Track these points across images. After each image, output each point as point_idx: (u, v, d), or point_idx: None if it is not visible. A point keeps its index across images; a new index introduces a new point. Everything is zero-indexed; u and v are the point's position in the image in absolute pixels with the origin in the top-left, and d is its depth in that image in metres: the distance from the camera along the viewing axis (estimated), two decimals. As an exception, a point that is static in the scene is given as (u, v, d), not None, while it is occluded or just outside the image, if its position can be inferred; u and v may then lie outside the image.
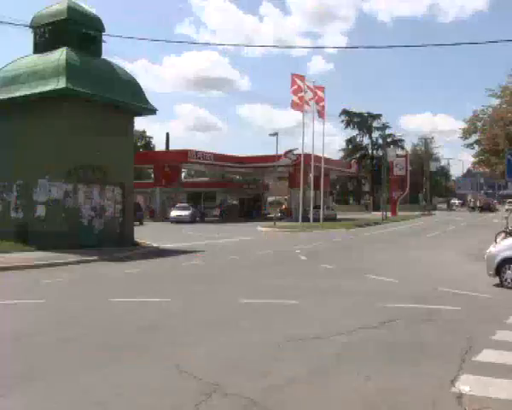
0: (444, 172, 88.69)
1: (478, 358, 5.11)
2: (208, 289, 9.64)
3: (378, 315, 7.06)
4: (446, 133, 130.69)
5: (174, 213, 37.82)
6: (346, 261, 14.11)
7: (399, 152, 64.11)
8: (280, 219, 40.33)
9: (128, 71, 19.49)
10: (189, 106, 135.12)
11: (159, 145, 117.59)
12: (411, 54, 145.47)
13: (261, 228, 30.47)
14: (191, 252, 16.51)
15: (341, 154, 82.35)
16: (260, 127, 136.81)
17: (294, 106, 32.61)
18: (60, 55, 16.60)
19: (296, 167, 39.03)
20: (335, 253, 16.57)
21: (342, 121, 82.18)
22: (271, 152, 38.43)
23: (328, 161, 43.22)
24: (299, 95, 32.45)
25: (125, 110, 18.25)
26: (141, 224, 32.98)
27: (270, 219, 35.95)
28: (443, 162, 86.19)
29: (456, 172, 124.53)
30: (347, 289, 9.40)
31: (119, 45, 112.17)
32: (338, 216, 45.85)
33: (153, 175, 47.58)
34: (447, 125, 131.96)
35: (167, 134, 65.08)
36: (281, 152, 40.53)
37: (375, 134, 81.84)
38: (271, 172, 46.97)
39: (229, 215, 47.81)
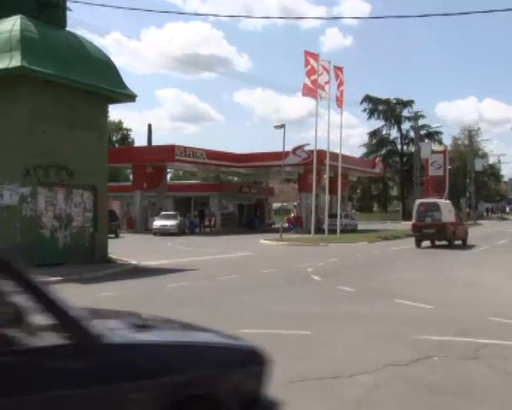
0: (493, 172, 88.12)
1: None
2: (200, 316, 9.54)
3: (410, 350, 6.98)
4: (496, 123, 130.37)
5: (158, 222, 37.97)
6: (370, 282, 14.07)
7: (436, 147, 64.05)
8: (288, 229, 40.24)
9: (99, 47, 19.55)
10: (174, 91, 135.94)
11: (139, 140, 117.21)
12: (451, 25, 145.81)
13: (265, 241, 30.48)
14: (179, 271, 16.52)
15: (363, 150, 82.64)
16: (263, 118, 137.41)
17: (306, 91, 32.68)
18: (12, 25, 16.43)
19: (307, 167, 39.01)
20: (356, 272, 16.55)
21: (364, 110, 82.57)
22: (277, 148, 38.39)
23: (346, 158, 43.24)
24: (313, 77, 32.52)
25: (97, 96, 18.25)
26: (117, 236, 32.98)
27: (276, 231, 35.86)
28: (492, 160, 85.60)
29: (509, 171, 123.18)
30: (371, 317, 9.34)
31: (85, 15, 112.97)
32: (359, 227, 45.76)
33: (131, 176, 47.59)
34: (497, 113, 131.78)
35: (149, 126, 65.40)
36: (288, 148, 40.47)
37: (406, 125, 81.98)
38: (277, 172, 46.93)
39: (226, 225, 47.81)
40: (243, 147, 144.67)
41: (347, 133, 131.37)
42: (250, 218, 51.23)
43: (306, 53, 32.61)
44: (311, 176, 36.51)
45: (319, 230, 34.75)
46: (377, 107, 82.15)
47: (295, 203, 54.12)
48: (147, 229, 40.53)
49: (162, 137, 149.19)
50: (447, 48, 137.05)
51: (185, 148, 41.21)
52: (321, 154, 35.49)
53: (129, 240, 31.86)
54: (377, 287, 13.12)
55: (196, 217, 45.94)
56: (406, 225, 51.18)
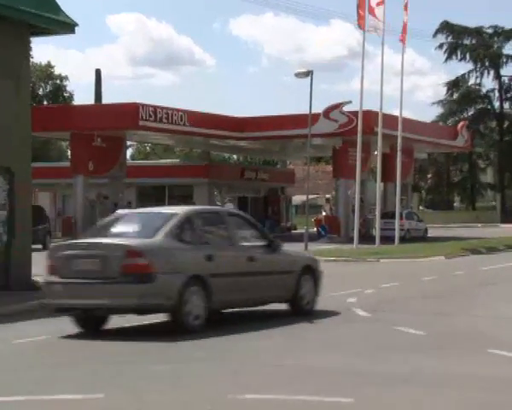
0: None
1: None
2: (174, 372, 9.62)
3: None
4: None
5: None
6: (448, 321, 14.24)
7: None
8: (317, 236, 40.29)
9: None
10: (136, 17, 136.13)
11: (81, 95, 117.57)
12: None
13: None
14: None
15: (438, 110, 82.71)
16: (277, 60, 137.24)
17: (361, 20, 32.88)
18: None
19: (348, 138, 39.06)
20: (426, 304, 16.75)
21: (441, 46, 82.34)
22: (300, 109, 38.33)
23: (410, 124, 43.28)
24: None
25: (12, 24, 18.29)
26: (46, 247, 33.04)
27: (299, 238, 35.94)
28: None
29: None
30: (453, 378, 9.26)
31: None
32: (431, 232, 45.82)
33: (69, 153, 47.76)
34: None
35: (97, 72, 65.50)
36: (318, 109, 40.48)
37: (508, 70, 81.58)
38: (300, 147, 46.93)
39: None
40: (246, 107, 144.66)
41: (412, 84, 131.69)
42: (258, 217, 51.26)
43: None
44: (353, 152, 36.48)
45: (366, 237, 34.77)
46: (461, 41, 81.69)
47: (328, 196, 54.19)
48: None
49: (119, 91, 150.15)
50: None
51: (155, 108, 41.33)
52: (369, 117, 35.49)
53: (65, 253, 31.90)
54: (460, 328, 13.16)
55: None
56: (508, 230, 51.05)
